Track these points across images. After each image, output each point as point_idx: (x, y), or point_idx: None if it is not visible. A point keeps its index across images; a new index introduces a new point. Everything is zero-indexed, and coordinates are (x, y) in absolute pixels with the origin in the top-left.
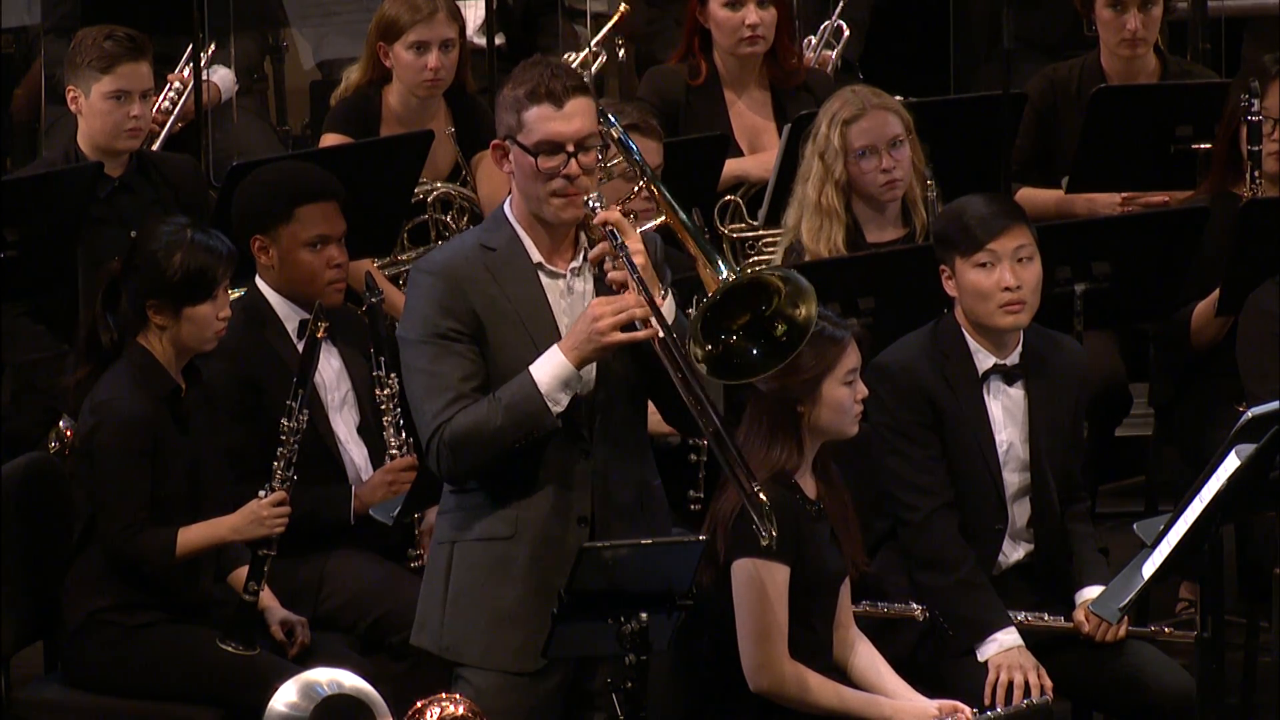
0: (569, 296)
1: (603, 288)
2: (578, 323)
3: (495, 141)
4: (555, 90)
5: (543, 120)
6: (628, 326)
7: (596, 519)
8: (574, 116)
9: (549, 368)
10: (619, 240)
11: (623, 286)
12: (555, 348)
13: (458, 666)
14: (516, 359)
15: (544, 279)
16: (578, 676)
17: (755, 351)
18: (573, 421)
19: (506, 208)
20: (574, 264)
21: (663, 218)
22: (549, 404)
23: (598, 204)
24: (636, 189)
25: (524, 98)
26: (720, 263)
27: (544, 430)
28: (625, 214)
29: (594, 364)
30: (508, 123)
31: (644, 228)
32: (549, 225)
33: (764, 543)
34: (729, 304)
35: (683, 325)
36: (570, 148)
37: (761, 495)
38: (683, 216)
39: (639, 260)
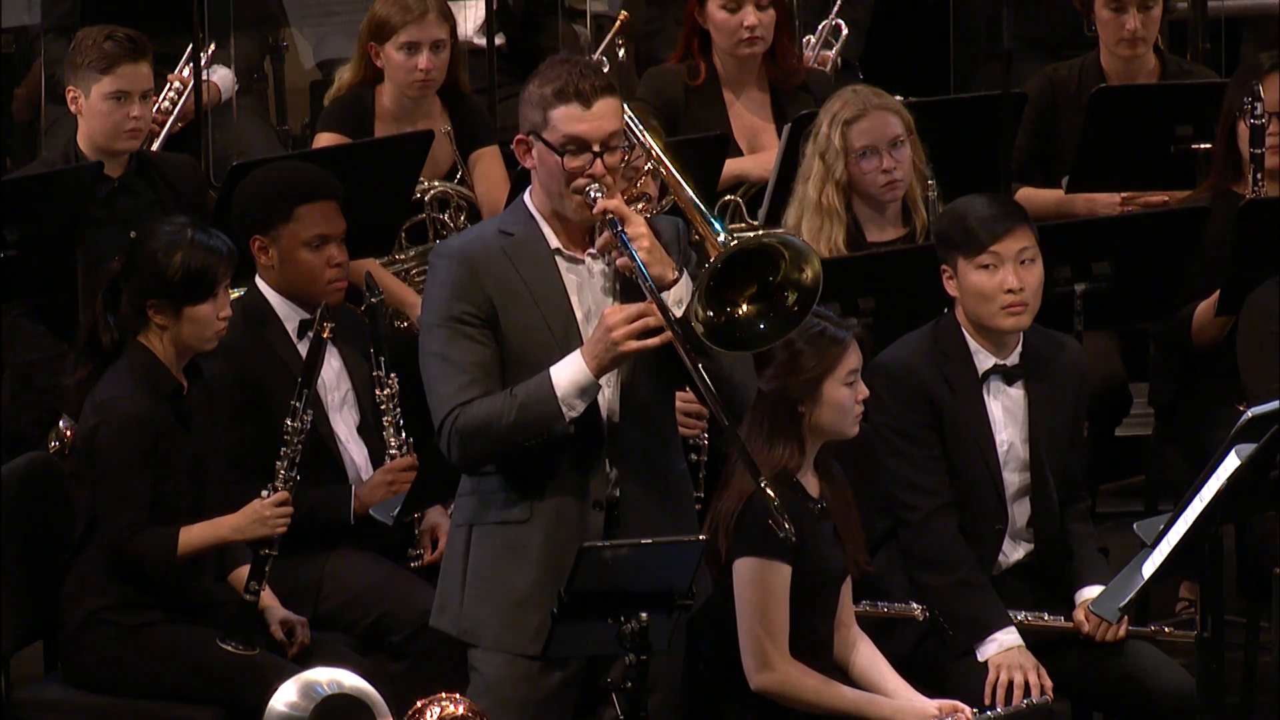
0: (588, 281)
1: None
2: (595, 330)
3: (519, 136)
4: (584, 90)
5: (570, 120)
6: (644, 333)
7: (617, 503)
8: (601, 117)
9: (568, 373)
10: (619, 228)
11: (631, 269)
12: (577, 353)
13: (471, 655)
14: (531, 342)
15: (561, 264)
16: (590, 671)
17: (762, 325)
18: (594, 406)
19: (527, 198)
20: (592, 250)
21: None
22: (564, 409)
23: (598, 193)
24: (647, 167)
25: (551, 96)
26: (724, 233)
27: (555, 435)
28: (638, 197)
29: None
30: (532, 119)
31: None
32: (568, 218)
33: (784, 536)
34: (736, 275)
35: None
36: (596, 148)
37: (770, 491)
38: (689, 194)
39: (644, 244)
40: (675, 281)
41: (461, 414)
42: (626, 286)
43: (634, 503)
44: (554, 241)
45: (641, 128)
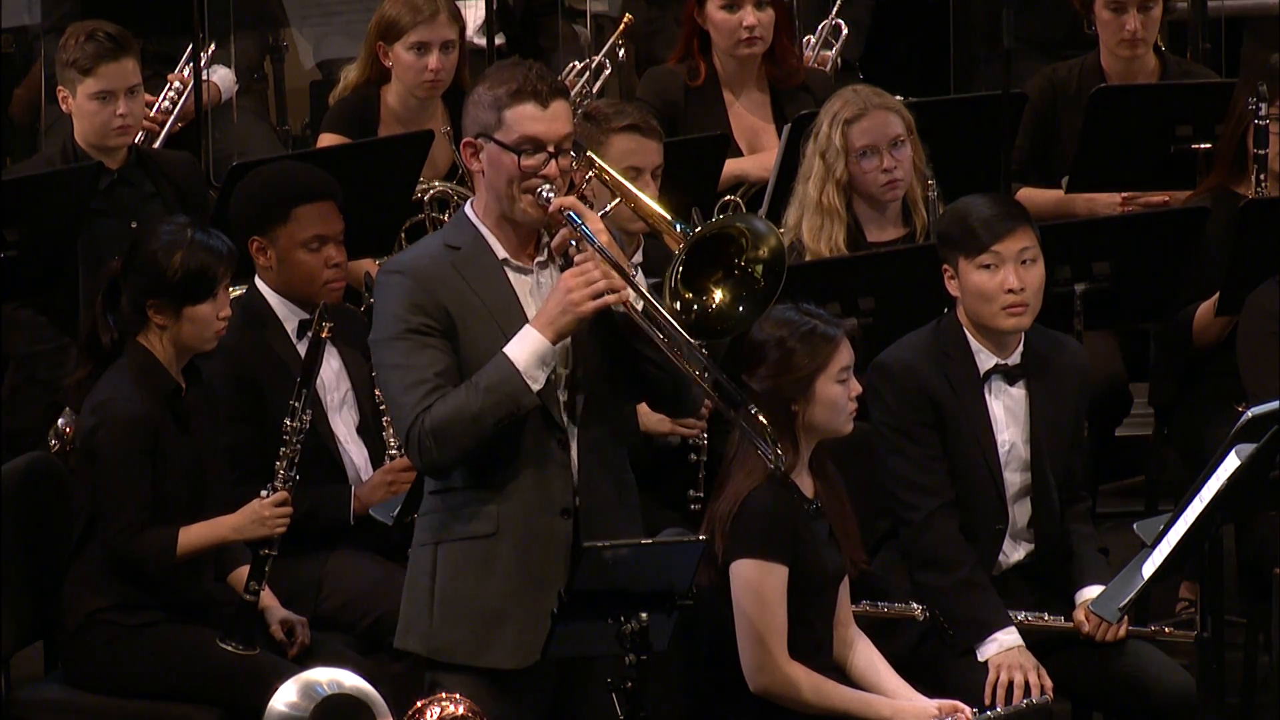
0: (538, 290)
1: None
2: (550, 297)
3: (466, 139)
4: (541, 90)
5: (527, 119)
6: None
7: (579, 510)
8: (556, 118)
9: (525, 345)
10: (580, 222)
11: (594, 259)
12: (528, 327)
13: (439, 673)
14: (489, 353)
15: (510, 274)
16: (566, 676)
17: (741, 308)
18: (550, 412)
19: (469, 209)
20: (539, 259)
21: (617, 199)
22: (528, 382)
23: (550, 193)
24: (589, 176)
25: (506, 96)
26: (680, 224)
27: (524, 410)
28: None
29: (569, 348)
30: (483, 120)
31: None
32: (515, 224)
33: (771, 463)
34: (701, 264)
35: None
36: (551, 148)
37: (761, 418)
38: (632, 189)
39: (603, 239)
40: (633, 276)
41: (427, 417)
42: None
43: (595, 509)
44: (501, 252)
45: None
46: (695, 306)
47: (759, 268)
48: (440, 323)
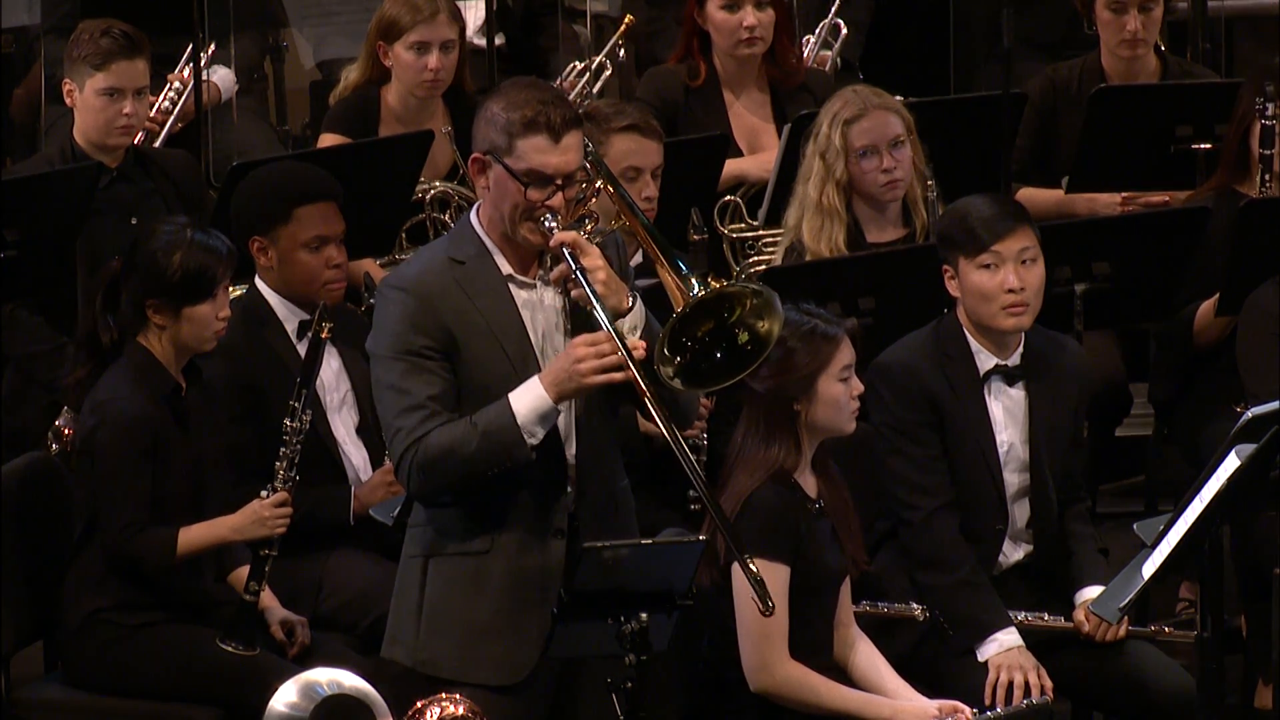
0: (541, 308)
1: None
2: (559, 359)
3: (475, 155)
4: (555, 124)
5: (537, 152)
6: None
7: (573, 527)
8: (568, 151)
9: (528, 400)
10: (577, 263)
11: (588, 302)
12: (536, 379)
13: (433, 681)
14: (490, 372)
15: (514, 290)
16: (557, 687)
17: (720, 356)
18: (554, 430)
19: (474, 218)
20: (542, 274)
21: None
22: (525, 436)
23: (553, 225)
24: (598, 186)
25: (519, 125)
26: (692, 277)
27: (518, 462)
28: (583, 217)
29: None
30: (495, 141)
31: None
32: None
33: (764, 613)
34: (696, 314)
35: (652, 330)
36: (559, 181)
37: (753, 565)
38: (644, 219)
39: (600, 276)
40: (631, 309)
41: (421, 447)
42: (577, 310)
43: (588, 525)
44: (505, 267)
45: (600, 161)
46: (684, 356)
47: (745, 333)
48: (440, 344)
